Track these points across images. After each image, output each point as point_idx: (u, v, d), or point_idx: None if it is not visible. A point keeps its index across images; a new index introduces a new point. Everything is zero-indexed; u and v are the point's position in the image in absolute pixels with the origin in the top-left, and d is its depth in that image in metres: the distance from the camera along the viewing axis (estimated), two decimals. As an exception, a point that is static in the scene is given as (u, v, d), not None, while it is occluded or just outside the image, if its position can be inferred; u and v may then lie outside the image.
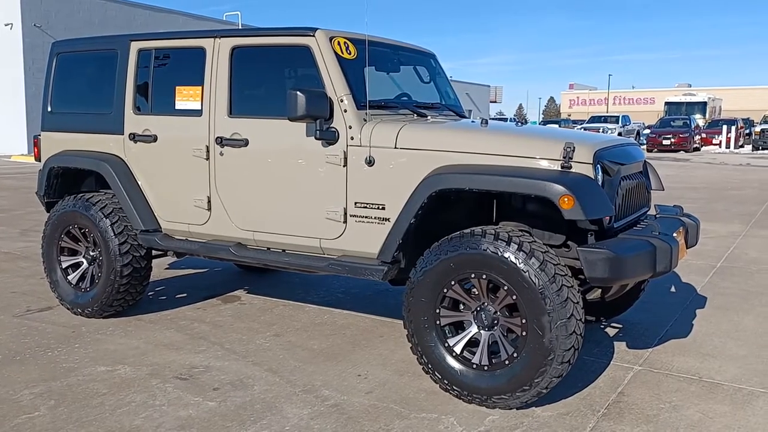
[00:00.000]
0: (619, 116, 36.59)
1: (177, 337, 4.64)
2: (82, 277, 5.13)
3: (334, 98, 4.03)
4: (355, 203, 4.03)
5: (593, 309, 4.94)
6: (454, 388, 3.60)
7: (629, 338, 4.71)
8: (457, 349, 3.62)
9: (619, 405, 3.62)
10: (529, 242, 3.41)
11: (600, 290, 3.95)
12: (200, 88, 4.54)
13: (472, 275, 3.52)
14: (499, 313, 3.54)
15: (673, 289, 6.10)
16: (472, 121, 4.49)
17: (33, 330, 4.79)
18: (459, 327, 3.68)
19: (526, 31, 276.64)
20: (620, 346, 4.54)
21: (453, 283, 3.58)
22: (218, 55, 4.47)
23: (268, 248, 4.44)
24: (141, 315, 5.14)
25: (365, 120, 4.03)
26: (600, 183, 3.60)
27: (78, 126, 5.16)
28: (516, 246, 3.38)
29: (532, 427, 3.36)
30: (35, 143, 5.47)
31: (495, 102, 75.57)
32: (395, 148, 3.90)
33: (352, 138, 4.00)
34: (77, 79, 5.29)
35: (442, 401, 3.62)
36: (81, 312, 5.05)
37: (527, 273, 3.33)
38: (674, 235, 3.83)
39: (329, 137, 4.02)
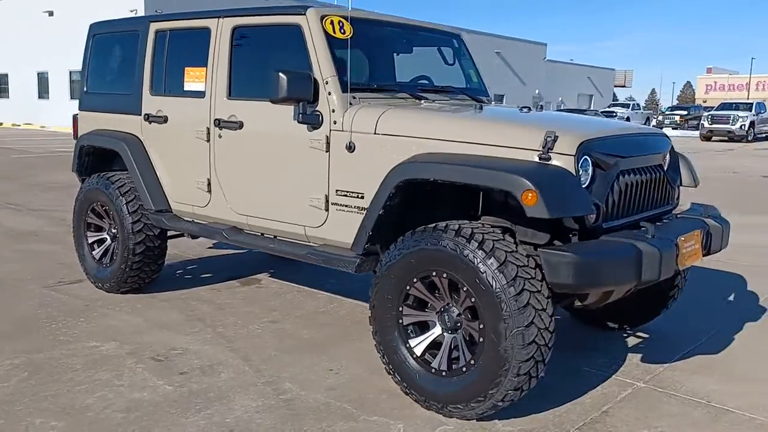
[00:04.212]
0: (753, 103, 33.63)
1: (177, 318, 4.68)
2: (105, 253, 5.29)
3: (320, 80, 3.86)
4: (337, 191, 3.85)
5: (615, 315, 4.51)
6: (413, 392, 3.36)
7: (649, 350, 4.25)
8: (418, 350, 3.38)
9: (595, 425, 3.24)
10: (493, 240, 3.10)
11: (576, 297, 3.54)
12: (205, 69, 4.52)
13: (434, 273, 3.25)
14: (462, 315, 3.26)
15: (731, 296, 5.47)
16: (471, 108, 4.15)
17: (54, 301, 5.00)
18: (424, 327, 3.44)
19: (661, 11, 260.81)
20: (633, 359, 4.09)
21: (415, 280, 3.33)
22: (221, 35, 4.41)
23: (262, 234, 4.36)
24: (158, 293, 5.23)
25: (351, 103, 3.83)
26: (589, 177, 3.22)
27: (107, 106, 5.30)
28: (477, 244, 3.08)
29: (483, 442, 3.08)
30: (74, 122, 5.69)
31: (623, 86, 72.02)
32: (375, 133, 3.68)
33: (335, 122, 3.81)
34: (108, 60, 5.44)
35: (400, 405, 3.40)
36: (101, 286, 5.22)
37: (485, 274, 3.03)
38: (681, 238, 3.37)
39: (313, 121, 3.86)
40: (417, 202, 3.70)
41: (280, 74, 3.70)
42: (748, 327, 4.70)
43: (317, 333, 4.42)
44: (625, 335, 4.51)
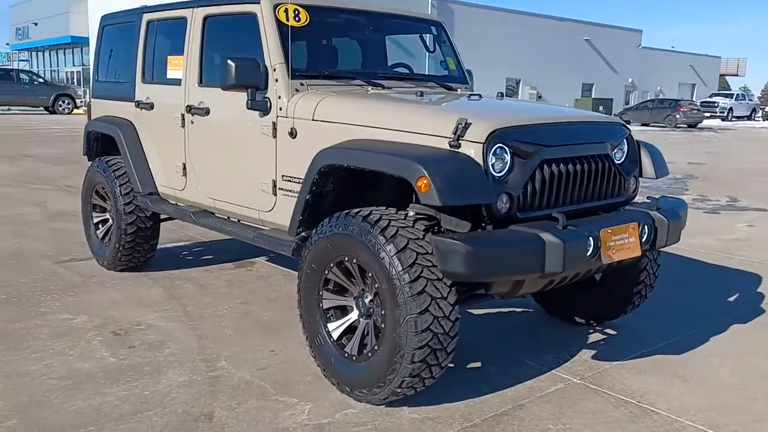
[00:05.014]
0: None
1: (157, 296, 4.90)
2: (106, 233, 5.60)
3: (269, 67, 3.94)
4: (282, 176, 3.94)
5: (580, 310, 4.38)
6: (328, 374, 3.41)
7: (607, 347, 4.09)
8: (335, 334, 3.42)
9: (501, 418, 3.17)
10: (398, 227, 3.08)
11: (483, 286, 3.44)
12: (182, 57, 4.70)
13: (346, 258, 3.28)
14: (373, 301, 3.27)
15: (734, 296, 5.16)
16: (416, 94, 4.07)
17: (56, 276, 5.35)
18: (344, 312, 3.47)
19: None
20: (584, 355, 3.96)
21: (332, 265, 3.37)
22: (194, 24, 4.58)
23: (228, 217, 4.51)
24: (152, 271, 5.49)
25: (297, 90, 3.89)
26: (506, 166, 3.15)
27: (112, 94, 5.60)
28: (380, 229, 3.08)
29: (380, 426, 3.08)
30: (88, 109, 6.04)
31: (735, 75, 68.16)
32: (313, 120, 3.73)
33: (280, 108, 3.90)
34: (114, 51, 5.72)
35: (320, 388, 3.45)
36: (101, 263, 5.54)
37: (384, 260, 3.03)
38: (607, 231, 3.23)
39: (262, 107, 3.95)
40: (360, 188, 3.72)
41: (229, 61, 3.82)
42: (732, 329, 4.43)
43: (279, 316, 4.52)
44: (591, 331, 4.36)
